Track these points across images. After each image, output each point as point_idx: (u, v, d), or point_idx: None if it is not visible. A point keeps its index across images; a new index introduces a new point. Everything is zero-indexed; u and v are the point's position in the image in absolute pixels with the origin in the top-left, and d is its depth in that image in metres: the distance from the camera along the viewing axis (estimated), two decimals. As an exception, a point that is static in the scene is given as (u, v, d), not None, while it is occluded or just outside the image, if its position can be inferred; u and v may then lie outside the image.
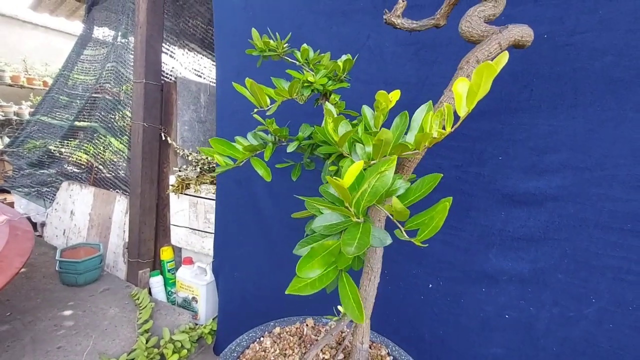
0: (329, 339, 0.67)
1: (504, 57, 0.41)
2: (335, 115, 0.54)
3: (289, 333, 0.81)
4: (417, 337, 1.01)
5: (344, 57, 0.70)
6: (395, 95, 0.53)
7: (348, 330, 0.77)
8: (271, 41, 0.74)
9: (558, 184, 0.78)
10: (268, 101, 0.66)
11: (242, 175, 1.37)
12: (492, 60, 0.44)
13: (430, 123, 0.43)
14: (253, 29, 0.75)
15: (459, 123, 0.43)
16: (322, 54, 0.72)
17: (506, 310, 0.88)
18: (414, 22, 0.63)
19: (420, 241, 0.40)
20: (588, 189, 0.76)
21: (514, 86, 0.81)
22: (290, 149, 0.69)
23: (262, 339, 0.79)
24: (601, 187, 0.75)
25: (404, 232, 0.42)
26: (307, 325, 0.84)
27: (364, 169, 0.44)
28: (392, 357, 0.76)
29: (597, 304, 0.78)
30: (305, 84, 0.67)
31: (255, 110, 0.68)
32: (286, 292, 0.42)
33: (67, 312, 1.57)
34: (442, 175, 0.46)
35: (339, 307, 0.82)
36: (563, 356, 0.83)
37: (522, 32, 0.53)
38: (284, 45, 0.74)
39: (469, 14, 0.54)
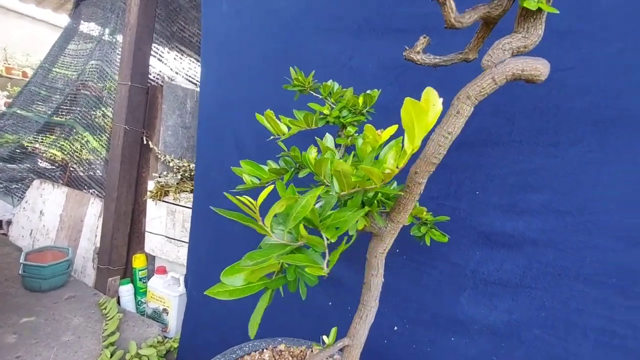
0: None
1: (434, 99, 0.41)
2: (331, 148, 0.55)
3: (291, 354, 0.81)
4: None
5: (369, 92, 0.73)
6: (389, 131, 0.53)
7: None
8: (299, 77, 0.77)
9: (538, 227, 0.74)
10: (285, 129, 0.71)
11: (217, 189, 1.35)
12: (482, 96, 0.46)
13: (386, 158, 0.45)
14: (292, 68, 0.76)
15: (405, 159, 0.45)
16: (345, 89, 0.75)
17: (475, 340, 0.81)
18: (437, 57, 0.60)
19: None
20: (569, 235, 0.71)
21: (496, 119, 0.80)
22: (302, 174, 0.71)
23: (264, 350, 0.80)
24: (583, 234, 0.70)
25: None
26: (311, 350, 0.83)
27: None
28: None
29: None
30: (321, 117, 0.72)
31: (271, 137, 0.73)
32: (205, 293, 0.42)
33: (28, 320, 1.48)
34: (366, 210, 0.47)
35: (324, 337, 0.81)
36: None
37: (523, 66, 0.46)
38: (311, 81, 0.78)
39: (494, 46, 0.49)
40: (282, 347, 0.83)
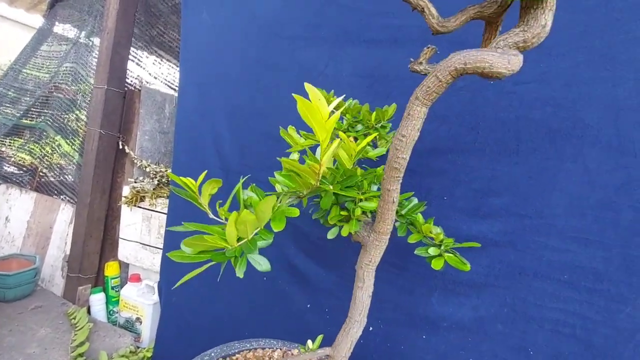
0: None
1: (315, 94, 0.43)
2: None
3: (269, 357, 0.82)
4: None
5: (385, 107, 0.75)
6: (366, 140, 0.57)
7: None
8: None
9: (500, 229, 0.80)
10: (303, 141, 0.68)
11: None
12: (431, 96, 0.44)
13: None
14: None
15: (323, 156, 0.49)
16: (362, 105, 0.77)
17: None
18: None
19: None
20: (527, 236, 0.77)
21: (461, 127, 0.85)
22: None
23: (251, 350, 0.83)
24: (540, 235, 0.76)
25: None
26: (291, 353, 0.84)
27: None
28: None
29: (535, 357, 0.77)
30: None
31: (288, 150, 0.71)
32: (167, 254, 0.48)
33: (-12, 332, 1.41)
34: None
35: (309, 342, 0.82)
36: None
37: (465, 59, 0.40)
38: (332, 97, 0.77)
39: (491, 44, 0.43)
40: (259, 351, 0.84)
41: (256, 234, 0.49)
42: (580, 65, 0.74)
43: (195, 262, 0.44)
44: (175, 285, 0.47)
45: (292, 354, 0.83)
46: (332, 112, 0.44)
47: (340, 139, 0.58)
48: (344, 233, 0.65)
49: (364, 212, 0.64)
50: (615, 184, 0.70)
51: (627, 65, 0.70)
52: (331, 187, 0.57)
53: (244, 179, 0.59)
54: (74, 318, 1.54)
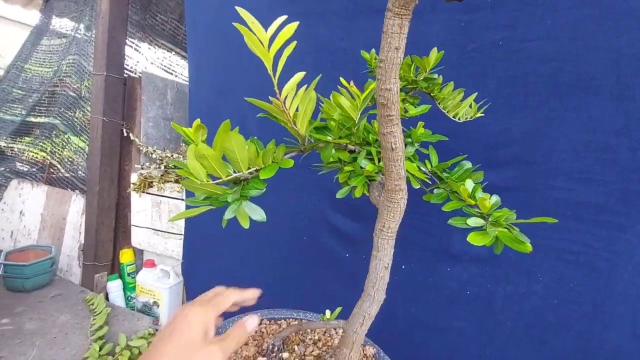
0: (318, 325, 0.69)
1: (249, 17, 0.39)
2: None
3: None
4: (392, 314, 1.09)
5: (424, 58, 0.60)
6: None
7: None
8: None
9: (510, 176, 0.87)
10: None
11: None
12: (406, 3, 0.42)
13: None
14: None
15: (288, 106, 0.47)
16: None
17: (468, 286, 0.98)
18: None
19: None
20: (536, 180, 0.85)
21: (473, 88, 0.86)
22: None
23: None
24: (547, 178, 0.84)
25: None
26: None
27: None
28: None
29: (544, 281, 0.87)
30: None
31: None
32: (185, 199, 0.49)
33: (11, 320, 1.44)
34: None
35: (327, 312, 0.79)
36: (517, 329, 0.92)
37: None
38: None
39: None
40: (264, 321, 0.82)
41: (246, 182, 0.47)
42: (584, 18, 0.77)
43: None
44: (172, 219, 0.49)
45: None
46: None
47: (348, 91, 0.54)
48: (357, 194, 0.61)
49: (379, 172, 0.58)
50: (615, 128, 0.77)
51: (630, 15, 0.73)
52: (330, 138, 0.53)
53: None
54: (92, 304, 1.56)
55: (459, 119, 0.63)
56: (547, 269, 0.87)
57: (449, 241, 0.99)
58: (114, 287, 1.79)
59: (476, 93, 0.61)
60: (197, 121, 0.49)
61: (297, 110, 0.48)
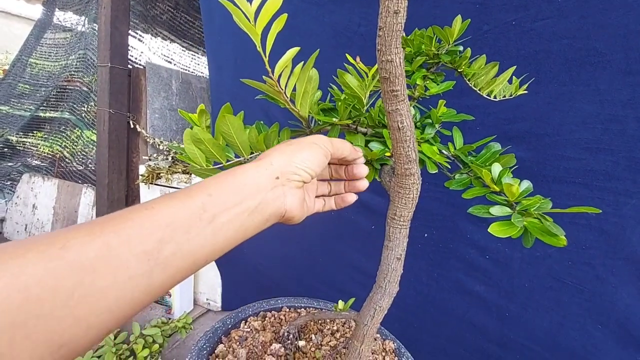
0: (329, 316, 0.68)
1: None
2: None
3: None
4: (416, 279, 1.19)
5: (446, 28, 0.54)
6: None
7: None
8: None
9: (524, 147, 0.92)
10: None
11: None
12: None
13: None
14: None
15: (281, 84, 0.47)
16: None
17: (486, 252, 1.04)
18: None
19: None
20: (548, 150, 0.89)
21: None
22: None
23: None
24: (558, 148, 0.89)
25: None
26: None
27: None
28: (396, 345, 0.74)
29: None
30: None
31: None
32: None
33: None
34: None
35: (340, 302, 0.78)
36: (534, 291, 0.97)
37: None
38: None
39: None
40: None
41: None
42: None
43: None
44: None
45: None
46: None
47: (357, 67, 0.51)
48: (369, 179, 0.58)
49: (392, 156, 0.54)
50: (623, 100, 0.80)
51: None
52: (336, 120, 0.50)
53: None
54: (106, 294, 1.59)
55: (494, 97, 0.57)
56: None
57: (466, 212, 1.07)
58: (127, 277, 1.82)
59: (515, 67, 0.57)
60: (201, 106, 0.47)
61: (295, 90, 0.46)
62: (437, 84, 0.56)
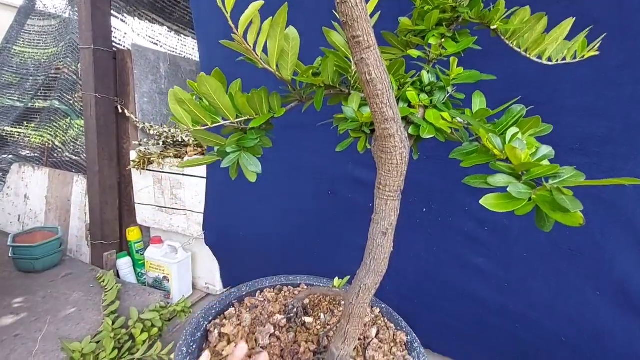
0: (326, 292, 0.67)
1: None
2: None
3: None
4: (415, 255, 1.20)
5: None
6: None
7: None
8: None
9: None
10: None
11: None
12: None
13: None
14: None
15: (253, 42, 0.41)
16: None
17: (485, 223, 1.05)
18: None
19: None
20: (544, 118, 0.88)
21: (488, 37, 0.89)
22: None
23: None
24: (552, 115, 0.88)
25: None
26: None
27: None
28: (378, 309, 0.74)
29: None
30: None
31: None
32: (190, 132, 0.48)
33: (25, 299, 1.46)
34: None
35: (336, 279, 0.76)
36: (532, 260, 0.98)
37: None
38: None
39: None
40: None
41: (245, 133, 0.43)
42: None
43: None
44: (181, 165, 0.52)
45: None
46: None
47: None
48: (359, 148, 0.54)
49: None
50: (618, 64, 0.80)
51: None
52: (319, 83, 0.47)
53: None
54: (103, 281, 1.58)
55: (548, 60, 0.45)
56: None
57: (465, 187, 1.12)
58: (124, 264, 1.81)
59: (574, 18, 0.45)
60: (202, 75, 0.45)
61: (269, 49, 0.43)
62: (454, 44, 0.47)
